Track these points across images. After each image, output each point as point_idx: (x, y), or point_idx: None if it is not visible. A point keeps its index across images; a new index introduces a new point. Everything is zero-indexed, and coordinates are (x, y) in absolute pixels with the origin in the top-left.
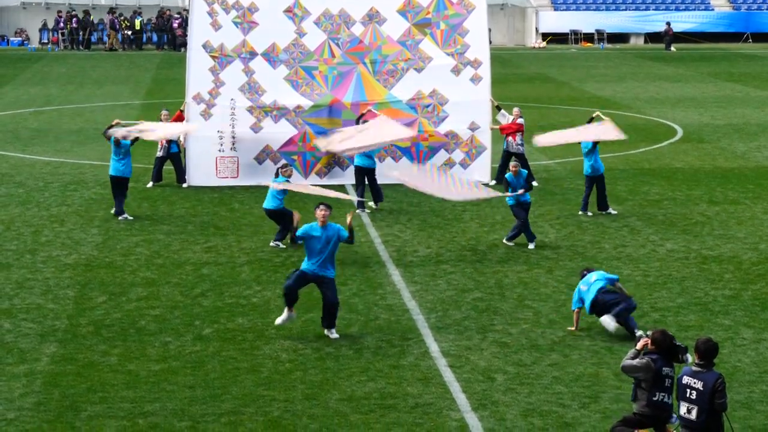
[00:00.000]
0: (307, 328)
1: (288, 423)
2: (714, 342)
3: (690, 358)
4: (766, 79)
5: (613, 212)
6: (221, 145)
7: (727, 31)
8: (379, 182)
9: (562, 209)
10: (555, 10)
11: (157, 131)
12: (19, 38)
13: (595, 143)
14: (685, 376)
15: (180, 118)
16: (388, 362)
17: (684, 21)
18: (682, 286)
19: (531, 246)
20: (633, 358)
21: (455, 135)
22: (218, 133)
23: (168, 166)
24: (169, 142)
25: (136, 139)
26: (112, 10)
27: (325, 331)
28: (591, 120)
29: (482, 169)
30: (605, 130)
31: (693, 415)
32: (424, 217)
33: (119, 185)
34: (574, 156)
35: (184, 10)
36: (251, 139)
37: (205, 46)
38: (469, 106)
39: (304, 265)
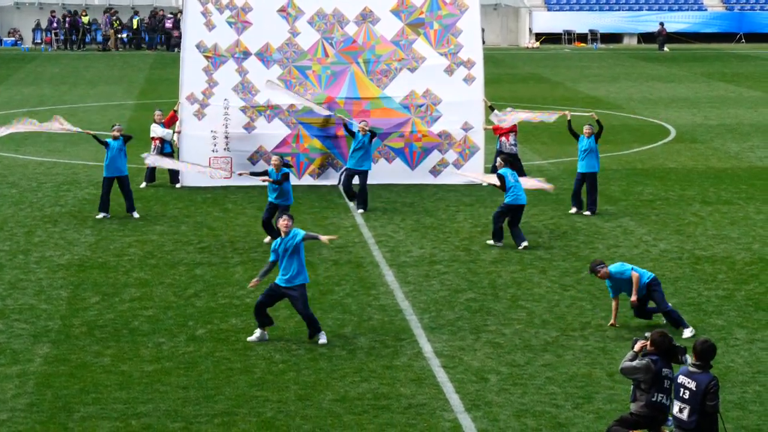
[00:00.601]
0: (300, 329)
1: (281, 424)
2: (711, 343)
3: (689, 359)
4: (759, 80)
5: (587, 213)
6: (214, 145)
7: (720, 31)
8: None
9: (556, 209)
10: (548, 10)
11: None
12: (13, 38)
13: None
14: (680, 376)
15: (173, 119)
16: (382, 363)
17: (677, 21)
18: (676, 287)
19: (494, 242)
20: (632, 360)
21: (448, 135)
22: (212, 133)
23: None
24: (163, 142)
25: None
26: (111, 10)
27: (313, 340)
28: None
29: (475, 169)
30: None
31: (684, 415)
32: (418, 218)
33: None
34: (567, 156)
35: (179, 11)
36: (245, 139)
37: (198, 46)
38: (463, 106)
39: (277, 279)
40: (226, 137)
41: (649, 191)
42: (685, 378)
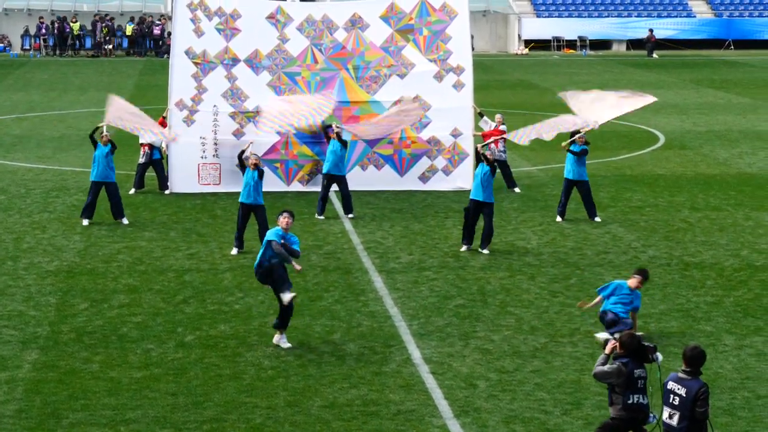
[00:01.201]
0: (289, 335)
1: (270, 430)
2: (701, 349)
3: (660, 356)
4: (748, 86)
5: (597, 219)
6: (203, 151)
7: (708, 37)
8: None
9: (545, 216)
10: (537, 16)
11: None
12: (1, 44)
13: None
14: (670, 382)
15: (162, 125)
16: (371, 369)
17: (666, 28)
18: (664, 293)
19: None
20: (603, 364)
21: (438, 141)
22: (201, 139)
23: (150, 173)
24: (152, 148)
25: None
26: (108, 17)
27: (275, 337)
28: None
29: (465, 175)
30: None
31: (674, 421)
32: (407, 224)
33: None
34: (556, 162)
35: (168, 17)
36: (234, 146)
37: (187, 53)
38: (452, 112)
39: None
40: (215, 144)
41: (638, 198)
42: (675, 384)
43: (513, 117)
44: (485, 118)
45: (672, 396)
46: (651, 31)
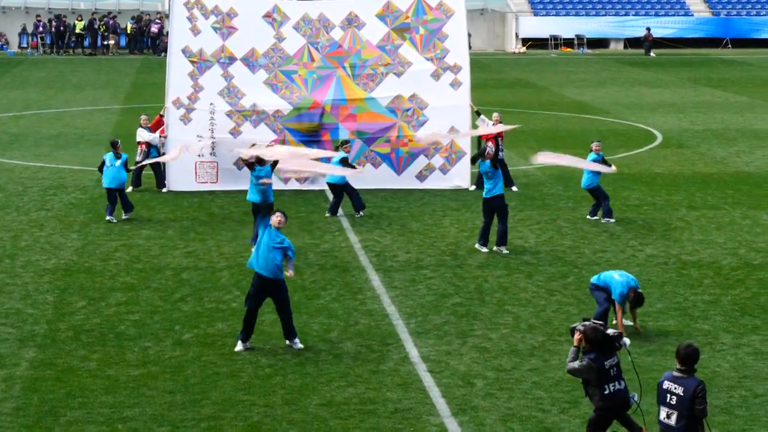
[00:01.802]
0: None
1: (268, 428)
2: (694, 347)
3: (628, 341)
4: (745, 85)
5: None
6: (200, 149)
7: (706, 36)
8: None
9: (542, 214)
10: (535, 15)
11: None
12: None
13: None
14: (665, 381)
15: (159, 123)
16: (368, 367)
17: (663, 26)
18: (662, 291)
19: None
20: (574, 359)
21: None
22: (197, 138)
23: (147, 171)
24: (149, 146)
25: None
26: (111, 14)
27: (287, 342)
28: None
29: (462, 174)
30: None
31: (672, 421)
32: (404, 222)
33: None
34: None
35: (165, 15)
36: (230, 144)
37: (184, 51)
38: (449, 111)
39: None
40: (212, 142)
41: (636, 196)
42: (671, 383)
43: (510, 115)
44: (482, 116)
45: (669, 395)
46: (648, 29)
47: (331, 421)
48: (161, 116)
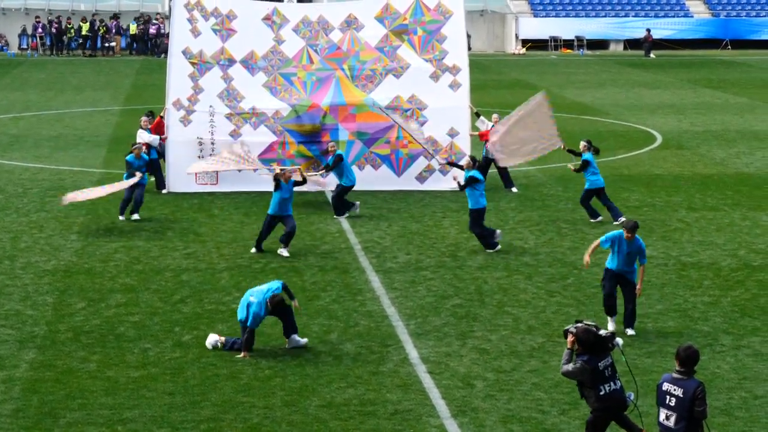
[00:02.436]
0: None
1: (267, 430)
2: (695, 349)
3: (621, 341)
4: (745, 86)
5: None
6: (200, 151)
7: (706, 37)
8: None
9: (542, 215)
10: (535, 16)
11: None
12: None
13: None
14: (665, 383)
15: (160, 124)
16: (368, 369)
17: (663, 27)
18: (662, 293)
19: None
20: (568, 361)
21: (434, 141)
22: (197, 139)
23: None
24: (149, 148)
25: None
26: (113, 16)
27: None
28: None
29: (461, 175)
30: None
31: (671, 422)
32: (404, 224)
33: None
34: (554, 162)
35: (166, 17)
36: (230, 146)
37: (185, 53)
38: (448, 112)
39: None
40: (212, 144)
41: (636, 197)
42: (671, 385)
43: None
44: (482, 117)
45: (668, 397)
46: (648, 30)
47: (331, 423)
48: (162, 118)
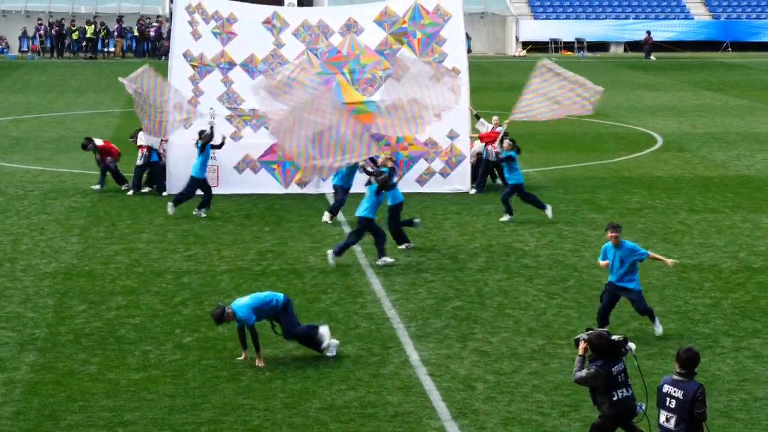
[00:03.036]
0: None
1: None
2: (695, 351)
3: (633, 346)
4: (745, 88)
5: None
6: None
7: (706, 39)
8: None
9: (543, 218)
10: (535, 18)
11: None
12: None
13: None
14: (665, 385)
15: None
16: (368, 371)
17: (663, 30)
18: (662, 295)
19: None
20: (581, 368)
21: (434, 143)
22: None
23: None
24: (150, 150)
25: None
26: (119, 18)
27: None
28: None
29: (462, 177)
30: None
31: (671, 424)
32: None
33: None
34: (554, 164)
35: (166, 19)
36: (231, 148)
37: (185, 55)
38: (448, 114)
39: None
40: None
41: (636, 200)
42: (671, 387)
43: None
44: (482, 120)
45: (668, 399)
46: (648, 33)
47: (332, 425)
48: None
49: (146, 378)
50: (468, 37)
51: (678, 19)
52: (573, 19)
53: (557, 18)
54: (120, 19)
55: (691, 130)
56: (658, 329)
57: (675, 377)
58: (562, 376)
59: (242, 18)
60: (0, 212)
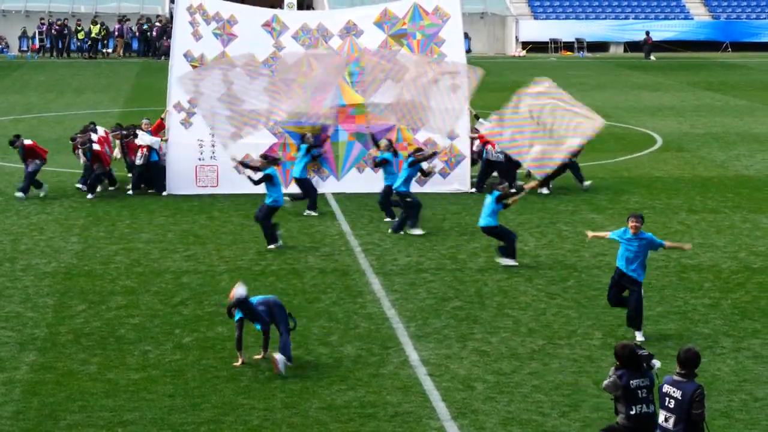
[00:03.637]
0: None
1: None
2: (694, 351)
3: (658, 363)
4: (745, 88)
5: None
6: (201, 153)
7: (706, 39)
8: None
9: (542, 218)
10: (535, 18)
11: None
12: None
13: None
14: (665, 385)
15: (161, 126)
16: (368, 371)
17: (663, 30)
18: (662, 295)
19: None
20: (611, 375)
21: (434, 144)
22: (198, 141)
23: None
24: (150, 150)
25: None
26: (124, 18)
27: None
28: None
29: (461, 177)
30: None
31: (670, 424)
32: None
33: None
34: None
35: (166, 19)
36: (231, 148)
37: (186, 56)
38: (448, 115)
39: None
40: (213, 146)
41: (636, 200)
42: (670, 387)
43: None
44: (481, 120)
45: (667, 399)
46: (648, 33)
47: (331, 425)
48: (162, 119)
49: (146, 378)
50: (467, 37)
51: (678, 19)
52: (573, 19)
53: (557, 18)
54: (122, 19)
55: (690, 130)
56: (639, 338)
57: (675, 377)
58: (561, 377)
59: (243, 20)
60: (0, 212)
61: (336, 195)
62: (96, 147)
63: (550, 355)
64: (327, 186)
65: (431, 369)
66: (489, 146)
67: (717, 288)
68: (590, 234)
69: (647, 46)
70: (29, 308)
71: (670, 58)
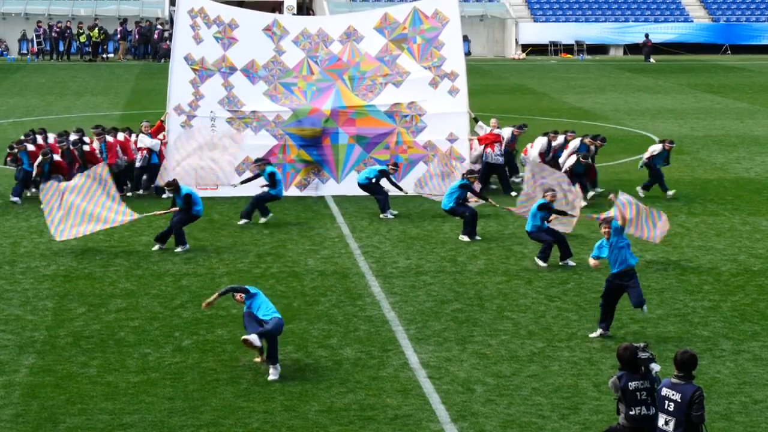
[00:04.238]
0: (285, 340)
1: None
2: (691, 354)
3: (657, 367)
4: (745, 91)
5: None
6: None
7: (706, 42)
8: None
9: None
10: (535, 21)
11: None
12: None
13: None
14: (664, 388)
15: (160, 129)
16: (368, 373)
17: (663, 32)
18: (662, 297)
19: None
20: (613, 376)
21: (434, 146)
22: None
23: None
24: (150, 152)
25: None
26: (122, 21)
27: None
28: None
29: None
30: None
31: (670, 427)
32: (404, 229)
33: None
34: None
35: (166, 22)
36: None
37: (186, 59)
38: (448, 117)
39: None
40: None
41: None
42: (669, 390)
43: (509, 121)
44: (480, 122)
45: (667, 402)
46: (647, 35)
47: (331, 428)
48: (162, 122)
49: (145, 381)
50: (467, 40)
51: (677, 21)
52: (572, 21)
53: (557, 20)
54: (123, 21)
55: (690, 132)
56: (645, 312)
57: (673, 380)
58: (561, 379)
59: (243, 24)
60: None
61: (336, 198)
62: (56, 157)
63: (550, 358)
64: (327, 189)
65: (431, 372)
66: (488, 149)
67: (717, 290)
68: (593, 262)
69: (647, 48)
70: (29, 311)
71: (669, 61)
